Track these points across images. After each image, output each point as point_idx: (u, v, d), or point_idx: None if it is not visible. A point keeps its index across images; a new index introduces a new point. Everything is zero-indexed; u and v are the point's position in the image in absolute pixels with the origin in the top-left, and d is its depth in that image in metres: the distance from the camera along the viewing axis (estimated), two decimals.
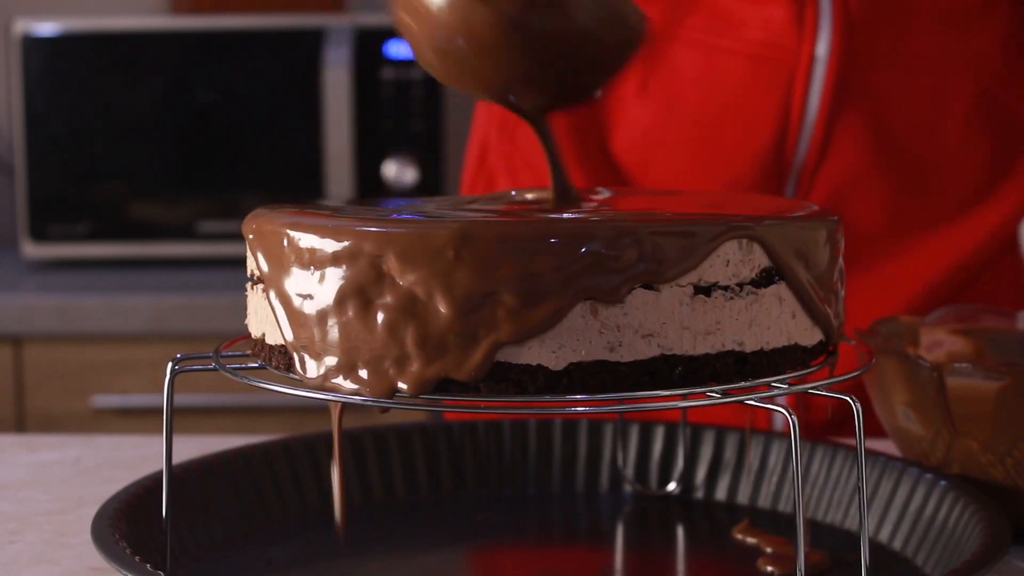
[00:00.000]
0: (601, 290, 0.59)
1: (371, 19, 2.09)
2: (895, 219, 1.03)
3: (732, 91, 1.02)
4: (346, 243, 0.61)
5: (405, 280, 0.59)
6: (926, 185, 1.04)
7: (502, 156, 1.11)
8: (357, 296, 0.60)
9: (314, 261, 0.61)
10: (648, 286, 0.60)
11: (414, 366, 0.60)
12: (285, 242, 0.63)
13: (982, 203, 1.04)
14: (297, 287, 0.62)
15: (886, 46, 1.01)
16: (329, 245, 0.61)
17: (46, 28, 2.08)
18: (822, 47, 0.99)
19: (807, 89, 1.00)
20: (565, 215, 0.67)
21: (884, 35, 1.01)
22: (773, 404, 0.60)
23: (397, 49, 2.08)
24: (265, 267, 0.64)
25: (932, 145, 1.03)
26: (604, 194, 0.76)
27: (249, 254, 0.66)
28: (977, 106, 1.03)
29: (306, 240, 0.62)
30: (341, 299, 0.61)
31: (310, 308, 0.62)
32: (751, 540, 0.75)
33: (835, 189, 1.02)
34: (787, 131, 1.01)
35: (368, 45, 2.08)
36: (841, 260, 0.68)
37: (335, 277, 0.61)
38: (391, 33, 2.08)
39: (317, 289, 0.61)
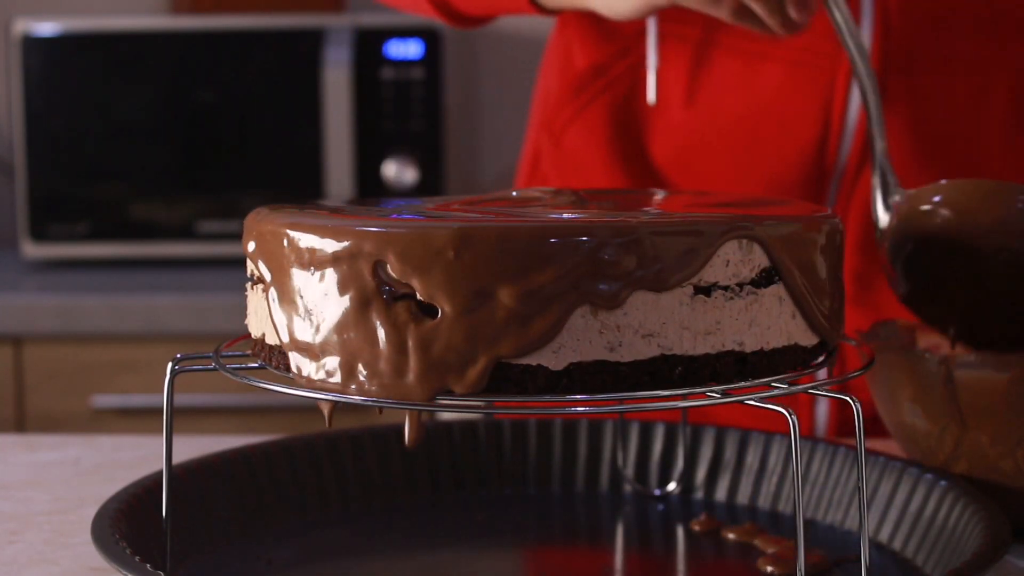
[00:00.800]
0: (601, 296, 0.59)
1: (371, 19, 2.09)
2: None
3: (772, 96, 1.02)
4: (346, 243, 0.60)
5: (405, 280, 0.59)
6: None
7: (553, 163, 1.11)
8: (357, 297, 0.60)
9: (314, 261, 0.61)
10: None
11: (412, 375, 0.59)
12: (285, 242, 0.63)
13: None
14: (297, 287, 0.62)
15: (925, 49, 1.01)
16: (329, 245, 0.61)
17: (46, 28, 2.08)
18: None
19: (848, 93, 1.00)
20: (565, 215, 0.67)
21: (923, 38, 1.01)
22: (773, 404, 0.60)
23: (397, 49, 2.08)
24: (265, 267, 0.64)
25: (971, 148, 1.03)
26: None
27: (249, 254, 0.66)
28: (1016, 108, 1.03)
29: (306, 240, 0.62)
30: (340, 300, 0.61)
31: (309, 308, 0.62)
32: (741, 539, 0.75)
33: None
34: (828, 135, 1.01)
35: (368, 45, 2.07)
36: (842, 261, 0.67)
37: (335, 277, 0.61)
38: (391, 33, 2.08)
39: (317, 289, 0.61)
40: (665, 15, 1.04)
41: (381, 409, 0.61)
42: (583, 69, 1.09)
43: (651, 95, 1.03)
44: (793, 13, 0.86)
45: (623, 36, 1.07)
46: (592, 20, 1.09)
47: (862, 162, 1.01)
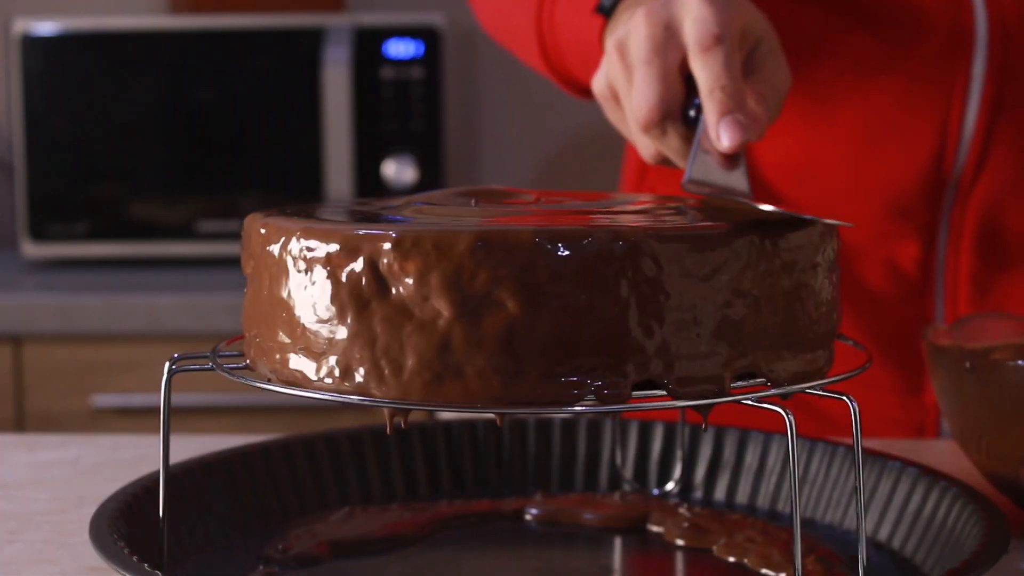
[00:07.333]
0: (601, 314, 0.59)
1: (371, 19, 2.09)
2: None
3: (889, 109, 1.01)
4: (343, 245, 0.60)
5: (401, 284, 0.59)
6: None
7: (660, 172, 1.10)
8: (354, 298, 0.60)
9: (310, 264, 0.61)
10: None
11: (409, 375, 0.59)
12: (282, 243, 0.63)
13: None
14: (293, 288, 0.62)
15: None
16: (325, 248, 0.61)
17: (46, 28, 2.08)
18: (978, 66, 0.99)
19: (964, 107, 1.00)
20: (563, 217, 0.67)
21: None
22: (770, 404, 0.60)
23: (397, 48, 2.08)
24: (261, 269, 0.64)
25: None
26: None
27: (246, 255, 0.66)
28: None
29: (302, 241, 0.62)
30: (337, 301, 0.61)
31: (306, 309, 0.62)
32: (739, 541, 0.75)
33: (993, 198, 1.02)
34: (945, 147, 1.01)
35: (368, 45, 2.07)
36: (837, 263, 0.67)
37: (332, 280, 0.61)
38: (391, 33, 2.08)
39: (313, 291, 0.61)
40: None
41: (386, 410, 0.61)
42: None
43: None
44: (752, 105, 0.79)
45: None
46: None
47: (978, 171, 1.01)
